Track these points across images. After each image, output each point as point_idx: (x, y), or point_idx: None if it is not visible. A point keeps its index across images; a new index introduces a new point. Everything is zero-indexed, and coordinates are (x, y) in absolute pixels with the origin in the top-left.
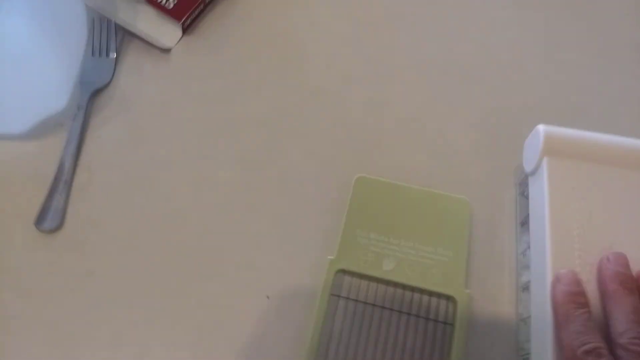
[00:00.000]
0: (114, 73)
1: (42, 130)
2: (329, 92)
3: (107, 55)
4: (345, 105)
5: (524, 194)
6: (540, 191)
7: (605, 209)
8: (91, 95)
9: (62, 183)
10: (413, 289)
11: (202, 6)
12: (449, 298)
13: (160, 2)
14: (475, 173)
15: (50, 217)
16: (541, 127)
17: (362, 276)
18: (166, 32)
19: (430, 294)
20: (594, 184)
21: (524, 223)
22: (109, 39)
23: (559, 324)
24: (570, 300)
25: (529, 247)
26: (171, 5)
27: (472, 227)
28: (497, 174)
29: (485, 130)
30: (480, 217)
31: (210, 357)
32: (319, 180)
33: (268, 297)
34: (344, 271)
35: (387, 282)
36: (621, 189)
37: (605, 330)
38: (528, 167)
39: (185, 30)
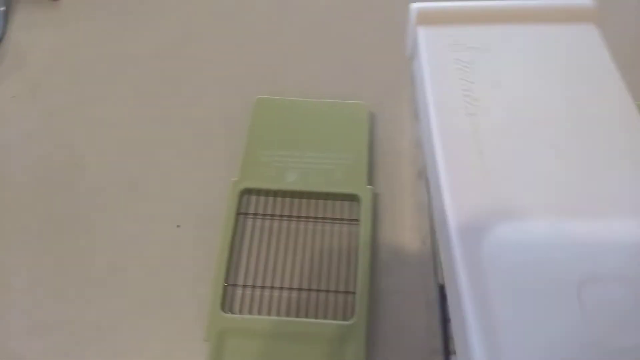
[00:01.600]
0: (4, 28)
1: None
2: (225, 18)
3: None
4: (243, 30)
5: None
6: (420, 68)
7: (493, 68)
8: None
9: None
10: (318, 195)
11: None
12: (353, 197)
13: None
14: (373, 77)
15: None
16: (413, 5)
17: (267, 192)
18: None
19: (335, 196)
20: (475, 47)
21: (417, 114)
22: None
23: None
24: None
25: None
26: None
27: (373, 129)
28: (395, 74)
29: (378, 35)
30: (383, 117)
31: (126, 288)
32: (222, 106)
33: (179, 225)
34: (249, 190)
35: (292, 194)
36: (502, 44)
37: None
38: (409, 51)
39: None
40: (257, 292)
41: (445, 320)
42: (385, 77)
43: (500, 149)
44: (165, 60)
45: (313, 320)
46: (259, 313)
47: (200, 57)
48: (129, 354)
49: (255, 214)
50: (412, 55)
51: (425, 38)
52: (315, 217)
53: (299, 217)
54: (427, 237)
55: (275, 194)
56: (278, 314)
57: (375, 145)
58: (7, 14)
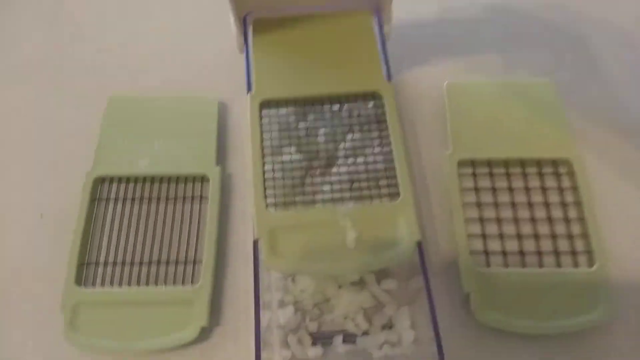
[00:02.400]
0: None
1: None
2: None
3: None
4: (97, 32)
5: None
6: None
7: None
8: None
9: None
10: (169, 178)
11: None
12: (202, 178)
13: None
14: (224, 69)
15: None
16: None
17: (120, 179)
18: None
19: (186, 178)
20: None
21: None
22: None
23: None
24: None
25: None
26: None
27: (225, 118)
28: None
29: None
30: (234, 109)
31: None
32: (80, 105)
33: (42, 215)
34: (102, 178)
35: (145, 178)
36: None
37: None
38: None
39: None
40: (112, 268)
41: (256, 273)
42: (237, 69)
43: None
44: (21, 58)
45: (161, 287)
46: (113, 285)
47: (59, 59)
48: None
49: (109, 199)
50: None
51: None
52: (167, 198)
53: (150, 198)
54: None
55: (129, 180)
56: (130, 285)
57: (227, 132)
58: None
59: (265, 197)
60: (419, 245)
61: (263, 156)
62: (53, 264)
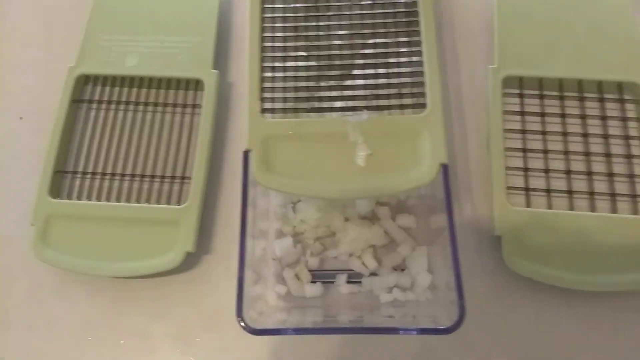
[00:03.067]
0: None
1: None
2: None
3: None
4: None
5: None
6: None
7: None
8: None
9: None
10: (160, 81)
11: None
12: (197, 83)
13: None
14: None
15: None
16: None
17: (105, 79)
18: None
19: (178, 82)
20: None
21: None
22: None
23: None
24: None
25: None
26: None
27: (229, 14)
28: None
29: None
30: (239, 3)
31: None
32: None
33: (21, 118)
34: (86, 77)
35: (133, 79)
36: None
37: None
38: None
39: None
40: (91, 179)
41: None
42: None
43: None
44: None
45: (145, 205)
46: (91, 199)
47: None
48: None
49: (92, 101)
50: None
51: None
52: (156, 103)
53: (137, 103)
54: None
55: (114, 80)
56: (109, 200)
57: (231, 33)
58: None
59: (262, 100)
60: (444, 169)
61: (262, 54)
62: (29, 172)
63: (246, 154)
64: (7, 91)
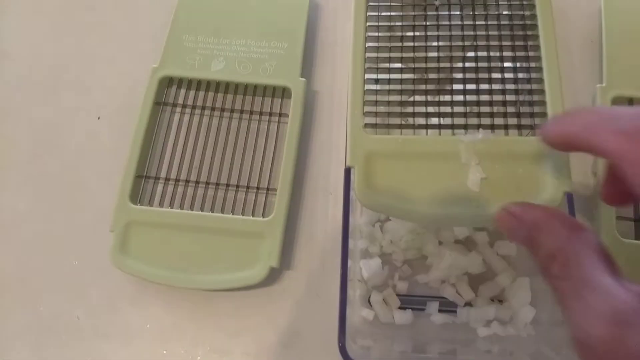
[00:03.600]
0: None
1: None
2: None
3: None
4: None
5: None
6: None
7: None
8: None
9: None
10: (246, 87)
11: None
12: (283, 90)
13: None
14: None
15: None
16: None
17: (190, 81)
18: None
19: (265, 89)
20: None
21: None
22: None
23: None
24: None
25: None
26: None
27: (317, 21)
28: None
29: None
30: (328, 8)
31: (45, 177)
32: None
33: (99, 117)
34: (170, 78)
35: (217, 84)
36: None
37: None
38: None
39: None
40: (173, 186)
41: (346, 211)
42: None
43: None
44: None
45: (228, 215)
46: (172, 207)
47: None
48: (39, 243)
49: (175, 104)
50: None
51: None
52: (242, 110)
53: (222, 109)
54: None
55: (199, 84)
56: (192, 209)
57: (317, 38)
58: None
59: (364, 114)
60: (569, 198)
61: (365, 65)
62: (108, 174)
63: (348, 171)
64: (86, 89)
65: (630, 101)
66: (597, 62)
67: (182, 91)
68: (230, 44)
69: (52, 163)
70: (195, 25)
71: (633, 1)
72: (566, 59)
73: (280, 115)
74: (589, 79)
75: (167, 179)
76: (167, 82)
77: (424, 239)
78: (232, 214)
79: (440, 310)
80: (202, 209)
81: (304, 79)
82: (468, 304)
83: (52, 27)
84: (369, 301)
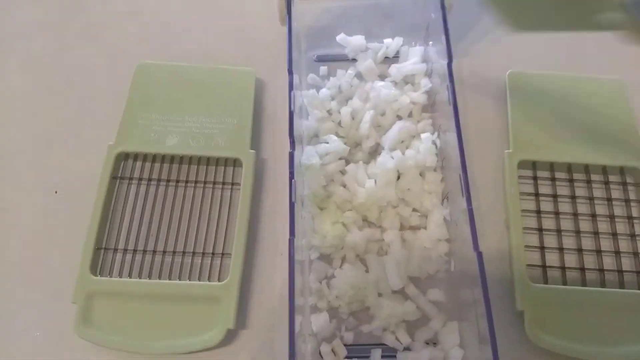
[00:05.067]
0: None
1: None
2: None
3: None
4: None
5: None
6: None
7: None
8: None
9: None
10: (199, 160)
11: None
12: (235, 161)
13: None
14: (263, 44)
15: None
16: None
17: (145, 156)
18: None
19: (217, 160)
20: None
21: None
22: None
23: None
24: None
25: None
26: None
27: (261, 96)
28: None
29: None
30: (272, 85)
31: (5, 249)
32: (106, 73)
33: (56, 192)
34: (126, 154)
35: (172, 158)
36: None
37: None
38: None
39: None
40: (132, 255)
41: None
42: (277, 45)
43: None
44: (47, 29)
45: (185, 282)
46: (132, 276)
47: (85, 25)
48: (2, 318)
49: (131, 178)
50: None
51: None
52: (196, 181)
53: (177, 180)
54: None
55: (154, 158)
56: (151, 277)
57: (263, 112)
58: None
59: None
60: (479, 255)
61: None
62: (67, 247)
63: (291, 242)
64: (43, 166)
65: (534, 164)
66: (504, 130)
67: (139, 164)
68: (183, 121)
69: (14, 236)
70: (149, 103)
71: (531, 80)
72: (479, 125)
73: (232, 184)
74: (499, 145)
75: (125, 249)
76: (123, 157)
77: (366, 292)
78: (190, 279)
79: (383, 357)
80: (160, 277)
81: (253, 150)
82: (407, 348)
83: (6, 110)
84: (319, 353)
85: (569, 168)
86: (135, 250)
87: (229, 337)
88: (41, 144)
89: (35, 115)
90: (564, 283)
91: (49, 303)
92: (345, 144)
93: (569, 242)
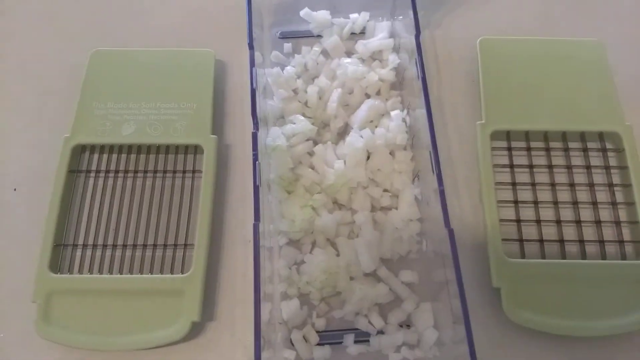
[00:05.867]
0: None
1: None
2: None
3: None
4: None
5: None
6: None
7: None
8: None
9: None
10: (158, 148)
11: None
12: (195, 148)
13: None
14: (223, 24)
15: None
16: None
17: (102, 147)
18: None
19: (177, 148)
20: None
21: None
22: None
23: None
24: None
25: None
26: None
27: (224, 78)
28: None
29: None
30: (234, 65)
31: None
32: (60, 62)
33: (15, 189)
34: (82, 146)
35: (130, 148)
36: None
37: None
38: None
39: None
40: (92, 251)
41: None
42: (239, 25)
43: None
44: None
45: (148, 275)
46: (92, 272)
47: (37, 12)
48: None
49: (89, 170)
50: None
51: None
52: (155, 170)
53: (136, 171)
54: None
55: (112, 149)
56: (112, 272)
57: (226, 96)
58: None
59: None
60: (450, 232)
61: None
62: (25, 245)
63: (256, 227)
64: (1, 162)
65: (508, 133)
66: (478, 100)
67: (96, 156)
68: (140, 108)
69: None
70: (104, 92)
71: (504, 47)
72: (451, 98)
73: (194, 171)
74: (472, 117)
75: (85, 245)
76: (80, 150)
77: (337, 276)
78: (153, 272)
79: (356, 341)
80: (122, 272)
81: (215, 135)
82: (380, 332)
83: None
84: (290, 341)
85: (546, 136)
86: (95, 245)
87: (196, 330)
88: None
89: None
90: (543, 257)
91: (8, 303)
92: (312, 124)
93: (546, 213)
